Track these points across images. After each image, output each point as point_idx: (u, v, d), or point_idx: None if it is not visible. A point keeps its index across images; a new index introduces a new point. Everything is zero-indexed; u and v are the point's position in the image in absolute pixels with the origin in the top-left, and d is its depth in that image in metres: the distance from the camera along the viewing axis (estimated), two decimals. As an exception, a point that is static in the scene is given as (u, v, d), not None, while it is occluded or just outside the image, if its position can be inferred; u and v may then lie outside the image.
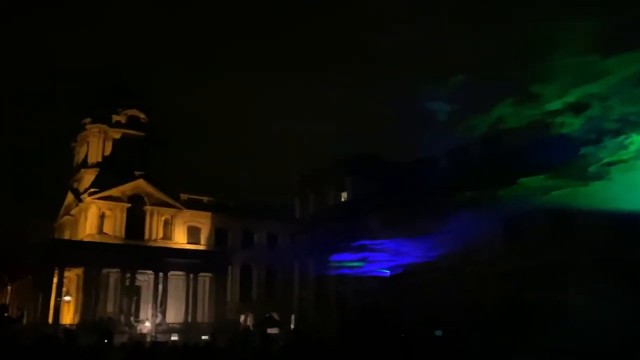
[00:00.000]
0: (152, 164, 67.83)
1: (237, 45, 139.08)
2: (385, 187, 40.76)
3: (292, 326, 52.61)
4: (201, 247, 67.77)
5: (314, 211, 50.89)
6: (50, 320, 49.71)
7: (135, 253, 57.39)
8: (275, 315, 59.74)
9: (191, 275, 60.28)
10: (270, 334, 37.14)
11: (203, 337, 42.54)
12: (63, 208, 70.64)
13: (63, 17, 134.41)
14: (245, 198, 74.56)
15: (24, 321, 46.39)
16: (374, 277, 37.07)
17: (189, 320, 58.22)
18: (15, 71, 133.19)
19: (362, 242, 36.01)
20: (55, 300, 51.21)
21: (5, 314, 16.49)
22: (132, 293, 56.60)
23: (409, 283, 33.79)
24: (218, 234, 70.54)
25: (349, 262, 36.92)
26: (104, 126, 68.94)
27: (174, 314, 58.24)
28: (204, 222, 70.30)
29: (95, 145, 68.36)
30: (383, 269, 35.68)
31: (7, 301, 59.90)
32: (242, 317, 66.79)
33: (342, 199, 48.40)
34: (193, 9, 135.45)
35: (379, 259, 34.63)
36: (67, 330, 27.26)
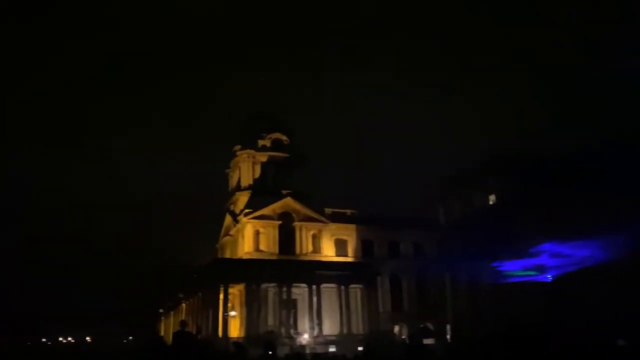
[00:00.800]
0: (296, 181, 71.53)
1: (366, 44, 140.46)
2: (539, 185, 37.78)
3: (447, 337, 51.00)
4: (349, 259, 69.10)
5: (460, 216, 49.10)
6: (220, 334, 54.14)
7: (289, 267, 60.34)
8: (430, 325, 58.44)
9: (342, 287, 61.55)
10: (426, 344, 36.40)
11: (359, 348, 43.02)
12: (223, 229, 77.17)
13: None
14: (387, 208, 74.91)
15: (200, 336, 51.06)
16: (534, 283, 34.52)
17: (344, 331, 59.38)
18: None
19: (528, 247, 33.60)
20: (223, 315, 55.63)
21: (186, 329, 18.18)
22: (290, 306, 59.32)
23: (576, 287, 30.81)
24: (364, 246, 71.40)
25: (516, 272, 34.65)
26: (252, 151, 74.58)
27: (329, 326, 59.81)
28: (349, 234, 71.68)
29: (245, 169, 74.21)
30: (544, 274, 33.06)
31: (184, 317, 66.64)
32: (396, 328, 66.45)
33: (490, 202, 46.05)
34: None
35: (544, 264, 32.07)
36: (237, 343, 29.43)
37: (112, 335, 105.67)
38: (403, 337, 62.28)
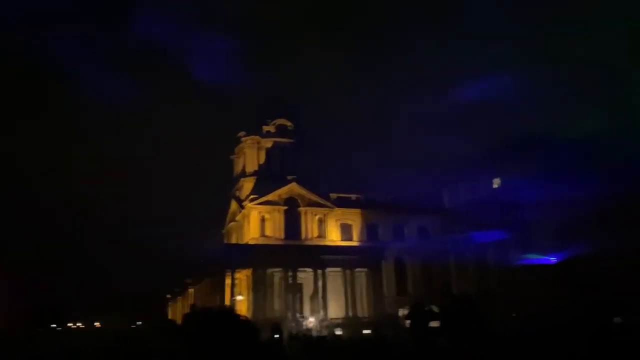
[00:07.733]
0: (302, 167, 71.51)
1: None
2: (552, 168, 37.82)
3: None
4: (354, 244, 69.49)
5: (466, 201, 49.30)
6: (227, 317, 54.65)
7: (294, 252, 60.80)
8: (435, 308, 58.89)
9: (347, 271, 62.08)
10: (432, 327, 36.81)
11: (364, 331, 43.52)
12: (229, 215, 77.59)
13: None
14: (392, 193, 74.79)
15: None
16: (539, 266, 34.81)
17: (350, 314, 60.02)
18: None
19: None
20: (231, 300, 56.26)
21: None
22: (296, 290, 59.96)
23: (580, 269, 31.07)
24: (369, 230, 71.70)
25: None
26: (257, 137, 74.55)
27: (335, 309, 60.44)
28: (354, 218, 72.01)
29: (250, 155, 74.23)
30: (548, 257, 33.33)
31: (192, 302, 67.41)
32: (401, 311, 66.92)
33: (495, 186, 46.20)
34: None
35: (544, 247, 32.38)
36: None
37: (121, 321, 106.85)
38: (408, 320, 62.77)
